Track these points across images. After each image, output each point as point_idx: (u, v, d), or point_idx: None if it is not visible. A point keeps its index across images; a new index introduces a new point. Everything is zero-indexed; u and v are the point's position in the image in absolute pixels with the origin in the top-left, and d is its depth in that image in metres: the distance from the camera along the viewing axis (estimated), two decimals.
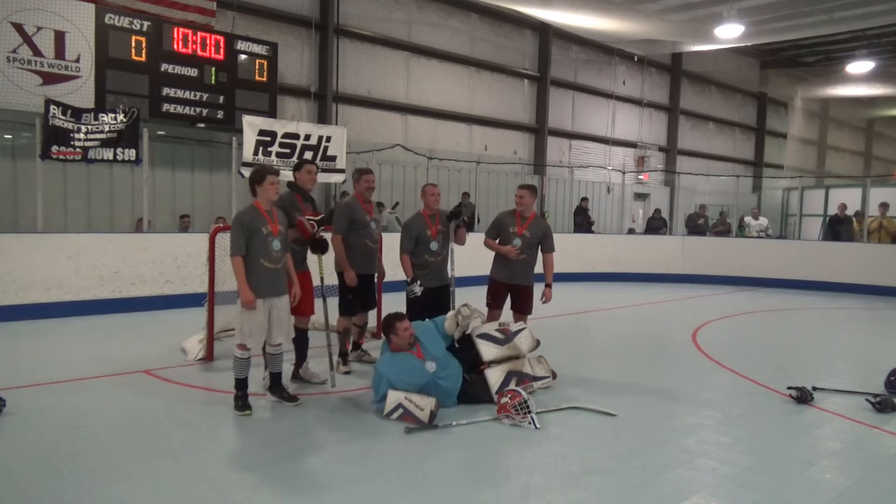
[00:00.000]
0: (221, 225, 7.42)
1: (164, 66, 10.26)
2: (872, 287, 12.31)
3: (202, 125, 10.93)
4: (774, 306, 10.76)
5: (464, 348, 5.02)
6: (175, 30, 10.37)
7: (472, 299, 5.63)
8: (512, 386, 4.91)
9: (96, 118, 8.17)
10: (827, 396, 5.22)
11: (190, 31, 10.52)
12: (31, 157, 8.63)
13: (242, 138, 8.85)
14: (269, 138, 8.93)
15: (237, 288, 4.40)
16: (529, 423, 4.35)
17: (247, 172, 8.92)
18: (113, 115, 8.26)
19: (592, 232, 15.25)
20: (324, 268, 5.20)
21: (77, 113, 8.09)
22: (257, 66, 11.28)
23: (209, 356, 5.93)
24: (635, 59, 19.66)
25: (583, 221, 14.86)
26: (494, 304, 5.81)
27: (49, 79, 9.20)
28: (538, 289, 5.83)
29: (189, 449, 3.88)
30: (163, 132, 10.87)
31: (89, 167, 9.49)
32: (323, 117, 13.21)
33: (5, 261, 7.50)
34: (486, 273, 5.96)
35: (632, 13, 13.94)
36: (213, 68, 10.76)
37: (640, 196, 19.96)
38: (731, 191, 17.32)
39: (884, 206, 13.33)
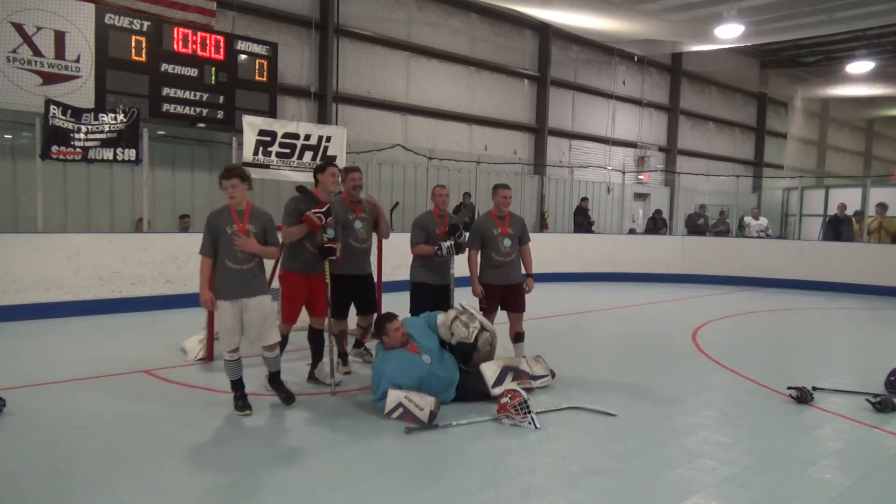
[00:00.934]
0: None
1: (164, 66, 10.25)
2: (872, 287, 12.31)
3: (202, 125, 10.93)
4: (774, 306, 10.76)
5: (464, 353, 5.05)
6: (175, 30, 10.36)
7: (470, 298, 5.64)
8: (508, 381, 4.94)
9: (96, 118, 8.17)
10: (827, 396, 5.22)
11: (190, 31, 10.52)
12: (31, 157, 8.63)
13: (242, 138, 8.85)
14: (269, 138, 8.93)
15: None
16: (529, 423, 4.35)
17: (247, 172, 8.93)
18: (113, 115, 8.25)
19: (592, 232, 15.26)
20: (329, 273, 5.15)
21: (77, 113, 8.09)
22: (257, 66, 11.28)
23: (209, 356, 5.93)
24: (635, 59, 19.65)
25: (583, 221, 14.86)
26: (491, 308, 5.78)
27: (49, 79, 9.19)
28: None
29: (189, 449, 3.88)
30: (163, 132, 10.87)
31: (89, 167, 9.49)
32: (323, 117, 13.21)
33: (5, 261, 7.51)
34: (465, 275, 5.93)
35: (632, 13, 13.94)
36: (213, 68, 10.75)
37: (640, 196, 19.96)
38: (731, 191, 17.31)
39: (884, 206, 13.33)
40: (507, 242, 5.70)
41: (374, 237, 6.03)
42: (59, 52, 9.27)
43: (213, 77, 10.76)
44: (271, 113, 11.20)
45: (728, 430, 4.46)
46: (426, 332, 4.89)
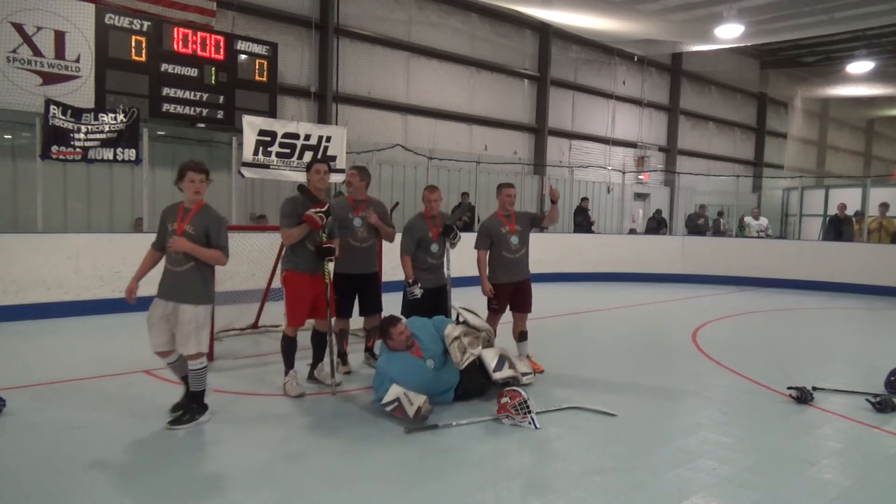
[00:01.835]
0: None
1: (164, 66, 10.25)
2: (872, 287, 12.30)
3: (202, 125, 10.93)
4: (774, 306, 10.76)
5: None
6: (175, 30, 10.37)
7: (469, 300, 5.65)
8: (506, 369, 5.00)
9: (96, 118, 8.17)
10: (827, 396, 5.22)
11: (190, 31, 10.52)
12: (31, 157, 8.63)
13: (242, 138, 8.85)
14: (269, 138, 8.93)
15: None
16: (529, 423, 4.35)
17: (247, 172, 8.94)
18: (113, 115, 8.26)
19: (592, 232, 15.25)
20: (329, 273, 5.13)
21: (77, 113, 8.09)
22: (257, 66, 11.28)
23: (209, 356, 5.92)
24: (635, 59, 19.66)
25: (583, 221, 14.85)
26: (501, 308, 5.82)
27: (49, 79, 9.19)
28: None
29: (189, 449, 3.88)
30: (163, 132, 10.87)
31: (89, 167, 9.49)
32: (323, 117, 13.21)
33: (5, 261, 7.51)
34: (469, 274, 5.93)
35: (632, 13, 13.94)
36: (213, 68, 10.76)
37: (640, 196, 19.96)
38: (731, 191, 17.31)
39: (884, 206, 13.33)
40: (515, 240, 5.74)
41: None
42: (59, 52, 9.28)
43: (213, 77, 10.76)
44: (271, 113, 11.20)
45: (728, 430, 4.46)
46: (432, 336, 4.85)
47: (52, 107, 7.94)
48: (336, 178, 9.89)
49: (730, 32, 14.47)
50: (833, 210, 14.81)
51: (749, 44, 18.23)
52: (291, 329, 5.01)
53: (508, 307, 5.84)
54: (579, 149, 18.76)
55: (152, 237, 4.50)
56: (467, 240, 6.00)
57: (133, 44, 9.96)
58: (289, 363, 5.04)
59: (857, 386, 5.48)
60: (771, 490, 3.50)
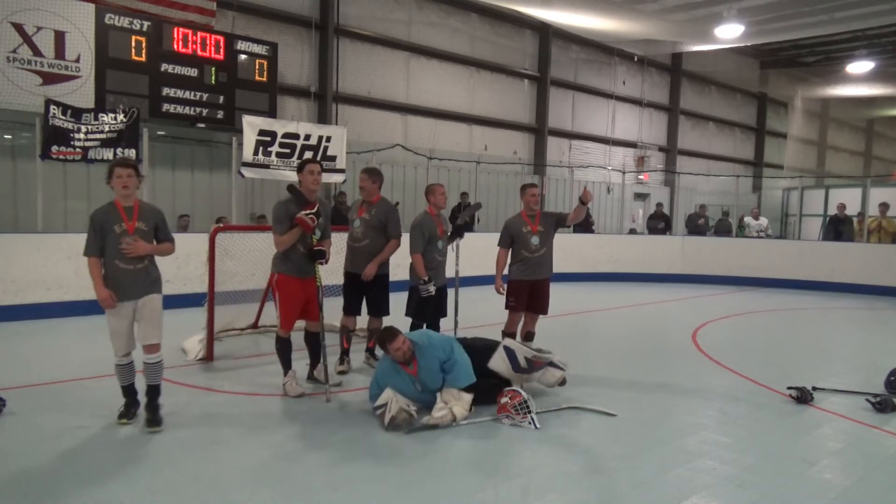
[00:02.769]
0: (222, 225, 7.43)
1: (164, 66, 10.25)
2: (872, 287, 12.30)
3: (202, 125, 10.93)
4: (774, 306, 10.76)
5: (476, 355, 4.82)
6: (175, 30, 10.36)
7: (475, 299, 5.64)
8: (521, 357, 4.86)
9: (96, 118, 8.17)
10: (827, 396, 5.22)
11: (190, 31, 10.52)
12: (31, 157, 8.63)
13: (242, 138, 8.84)
14: (269, 138, 8.93)
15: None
16: (529, 423, 4.35)
17: (247, 172, 8.94)
18: (113, 115, 8.25)
19: (593, 232, 15.24)
20: (320, 275, 5.06)
21: (77, 113, 8.09)
22: (257, 66, 11.28)
23: (209, 356, 5.94)
24: (635, 59, 19.65)
25: (583, 221, 14.83)
26: (518, 307, 5.83)
27: (49, 79, 9.19)
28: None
29: (189, 448, 3.88)
30: (163, 132, 10.86)
31: (89, 167, 9.46)
32: (323, 117, 13.21)
33: (5, 261, 7.51)
34: (488, 273, 5.96)
35: (632, 13, 13.94)
36: (213, 68, 10.75)
37: (640, 196, 19.95)
38: (731, 191, 17.30)
39: (884, 206, 13.33)
40: (536, 240, 5.76)
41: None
42: (59, 52, 9.27)
43: (213, 77, 10.76)
44: (271, 113, 11.20)
45: (728, 430, 4.46)
46: (432, 366, 4.54)
47: (52, 107, 7.93)
48: (337, 179, 9.93)
49: (730, 32, 14.47)
50: (833, 210, 14.81)
51: (749, 44, 18.22)
52: (284, 331, 5.01)
53: (525, 308, 5.86)
54: (579, 149, 18.76)
55: None
56: (472, 242, 6.01)
57: (133, 44, 9.95)
58: (286, 364, 5.04)
59: (857, 386, 5.48)
60: (771, 490, 3.51)
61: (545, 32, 17.21)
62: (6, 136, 9.80)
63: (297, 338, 5.13)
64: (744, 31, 14.46)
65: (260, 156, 8.87)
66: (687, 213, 16.66)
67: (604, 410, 4.71)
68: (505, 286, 5.80)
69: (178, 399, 4.81)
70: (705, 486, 3.54)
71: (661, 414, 4.82)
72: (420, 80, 15.03)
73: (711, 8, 13.72)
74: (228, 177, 10.08)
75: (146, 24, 10.07)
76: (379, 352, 5.97)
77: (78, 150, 8.04)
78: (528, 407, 4.41)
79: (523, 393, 4.50)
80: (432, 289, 5.47)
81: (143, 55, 10.05)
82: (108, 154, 8.20)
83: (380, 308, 5.79)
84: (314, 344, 5.16)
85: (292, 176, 9.04)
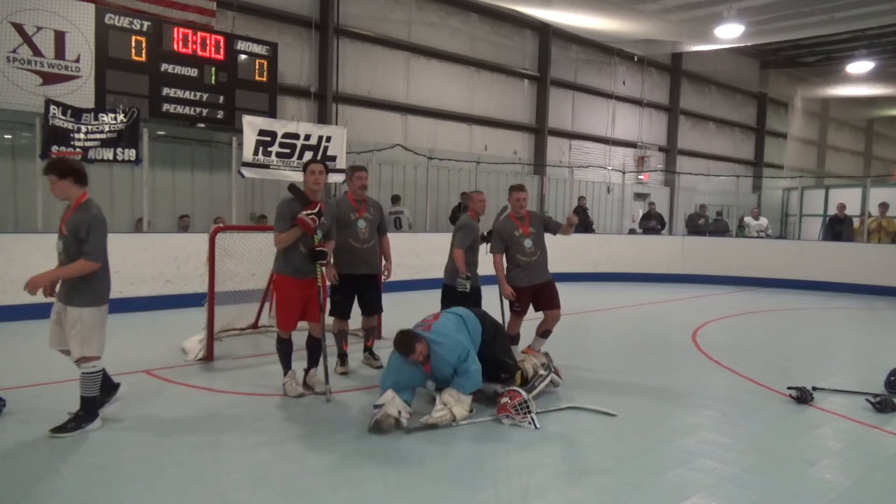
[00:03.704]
0: (221, 225, 7.43)
1: (164, 66, 10.25)
2: (872, 287, 12.31)
3: (202, 125, 10.93)
4: (774, 306, 10.76)
5: (487, 360, 4.77)
6: (175, 30, 10.36)
7: (484, 300, 5.67)
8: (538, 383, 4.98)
9: (96, 118, 8.17)
10: (827, 396, 5.22)
11: (190, 31, 10.52)
12: (31, 157, 8.63)
13: (242, 138, 8.84)
14: (269, 138, 8.91)
15: None
16: (529, 423, 4.35)
17: (247, 172, 8.93)
18: (113, 115, 8.25)
19: (592, 232, 15.23)
20: (320, 276, 5.07)
21: (77, 113, 8.09)
22: (257, 66, 11.28)
23: (209, 356, 5.93)
24: (635, 59, 19.65)
25: (582, 221, 14.83)
26: (523, 310, 5.84)
27: (49, 79, 9.19)
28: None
29: (189, 449, 3.88)
30: (163, 132, 10.87)
31: (89, 167, 9.41)
32: (323, 117, 13.21)
33: (5, 261, 7.50)
34: (488, 273, 5.95)
35: (632, 13, 13.94)
36: (213, 68, 10.75)
37: (640, 196, 19.95)
38: (731, 191, 17.30)
39: (884, 206, 13.33)
40: (529, 243, 5.74)
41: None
42: (59, 52, 9.27)
43: (213, 77, 10.76)
44: (271, 113, 11.19)
45: (728, 430, 4.46)
46: (447, 373, 4.51)
47: (52, 107, 7.93)
48: (337, 179, 9.92)
49: (730, 32, 14.47)
50: (833, 210, 14.81)
51: (749, 44, 18.22)
52: (283, 332, 4.99)
53: (536, 309, 5.88)
54: (579, 149, 18.76)
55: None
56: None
57: (133, 44, 9.95)
58: (286, 364, 5.03)
59: (857, 386, 5.48)
60: (771, 490, 3.51)
61: (545, 32, 17.21)
62: (6, 136, 9.79)
63: (298, 338, 5.12)
64: (744, 31, 14.46)
65: (260, 156, 8.86)
66: (687, 213, 16.67)
67: (604, 410, 4.71)
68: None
69: (179, 399, 4.81)
70: (705, 486, 3.54)
71: (660, 414, 4.82)
72: (420, 80, 15.03)
73: (711, 8, 13.72)
74: (228, 177, 10.08)
75: (146, 24, 10.07)
76: (378, 351, 6.00)
77: (78, 150, 8.03)
78: (528, 407, 4.41)
79: (523, 393, 4.50)
80: (467, 285, 5.59)
81: (143, 55, 10.05)
82: (108, 154, 8.21)
83: (375, 306, 5.83)
84: (314, 347, 5.12)
85: (292, 176, 9.09)
